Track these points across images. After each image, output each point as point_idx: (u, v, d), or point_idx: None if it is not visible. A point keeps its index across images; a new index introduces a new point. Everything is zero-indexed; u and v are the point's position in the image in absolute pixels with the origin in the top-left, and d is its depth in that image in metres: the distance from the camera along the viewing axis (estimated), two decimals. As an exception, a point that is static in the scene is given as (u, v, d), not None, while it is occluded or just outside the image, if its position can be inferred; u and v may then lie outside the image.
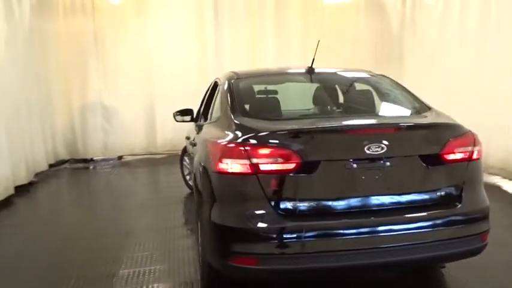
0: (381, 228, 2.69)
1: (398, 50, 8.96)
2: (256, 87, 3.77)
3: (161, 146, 9.22)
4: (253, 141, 2.67)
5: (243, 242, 2.65)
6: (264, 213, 2.62)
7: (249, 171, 2.62)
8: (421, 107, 3.32)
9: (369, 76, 3.87)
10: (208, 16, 9.03)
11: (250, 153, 2.62)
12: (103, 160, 9.06)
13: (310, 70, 3.70)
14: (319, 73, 3.76)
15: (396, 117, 3.36)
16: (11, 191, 6.26)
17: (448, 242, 2.76)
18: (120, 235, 4.56)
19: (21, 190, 6.58)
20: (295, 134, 2.72)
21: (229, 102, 3.25)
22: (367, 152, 2.64)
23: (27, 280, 3.66)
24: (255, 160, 2.61)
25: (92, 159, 9.06)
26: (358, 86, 3.85)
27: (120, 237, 4.48)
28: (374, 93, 3.59)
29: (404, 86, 3.65)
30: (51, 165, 8.31)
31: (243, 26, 9.15)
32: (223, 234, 2.70)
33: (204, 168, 3.07)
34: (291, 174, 2.63)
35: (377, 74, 3.88)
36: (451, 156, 2.81)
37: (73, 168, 8.67)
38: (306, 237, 2.60)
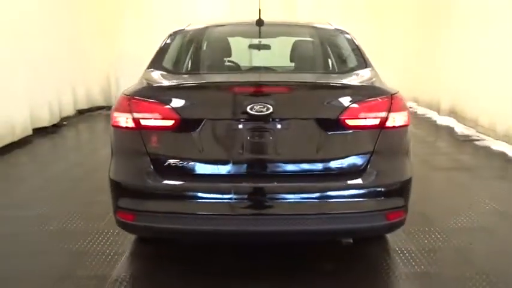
0: (264, 195, 2.51)
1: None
2: (196, 41, 3.58)
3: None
4: (135, 95, 2.58)
5: (124, 197, 2.63)
6: (142, 170, 2.56)
7: (133, 126, 2.55)
8: (356, 67, 2.97)
9: (320, 29, 3.52)
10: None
11: (132, 107, 2.55)
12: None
13: (260, 22, 3.44)
14: (268, 26, 3.48)
15: (303, 75, 3.05)
16: (29, 132, 6.72)
17: (343, 216, 2.53)
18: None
19: (42, 132, 7.06)
20: (175, 89, 2.57)
21: (153, 56, 3.14)
22: (251, 112, 2.43)
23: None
24: (136, 115, 2.54)
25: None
26: (304, 41, 3.52)
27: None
28: (317, 48, 3.27)
29: (358, 42, 3.28)
30: (83, 111, 8.80)
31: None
32: (112, 188, 2.69)
33: None
34: (171, 132, 2.52)
35: (334, 28, 3.52)
36: (354, 122, 2.50)
37: (107, 115, 9.12)
38: (180, 197, 2.51)
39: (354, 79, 2.78)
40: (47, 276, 2.89)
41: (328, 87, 2.64)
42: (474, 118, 7.05)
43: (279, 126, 2.49)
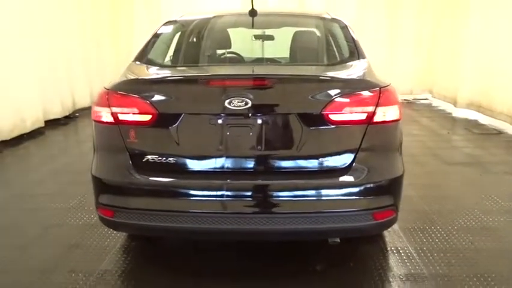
0: (242, 192, 2.43)
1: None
2: (186, 32, 3.49)
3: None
4: (114, 89, 2.52)
5: (104, 193, 2.59)
6: (121, 166, 2.51)
7: (112, 120, 2.50)
8: (347, 58, 2.84)
9: (316, 20, 3.39)
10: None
11: (111, 101, 2.49)
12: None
13: (253, 13, 3.33)
14: (261, 16, 3.37)
15: (288, 68, 2.95)
16: (41, 124, 6.80)
17: (326, 215, 2.42)
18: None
19: (54, 123, 7.15)
20: (153, 83, 2.50)
21: (141, 47, 3.08)
22: (229, 106, 2.34)
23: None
24: (114, 109, 2.48)
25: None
26: (298, 31, 3.38)
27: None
28: (310, 39, 3.15)
29: (354, 33, 3.14)
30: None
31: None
32: (94, 184, 2.65)
33: None
34: (148, 127, 2.45)
35: (330, 18, 3.38)
36: (338, 117, 2.38)
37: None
38: (158, 194, 2.45)
39: (342, 71, 2.65)
40: (34, 269, 2.89)
41: (310, 80, 2.51)
42: (495, 110, 6.77)
43: (259, 121, 2.40)
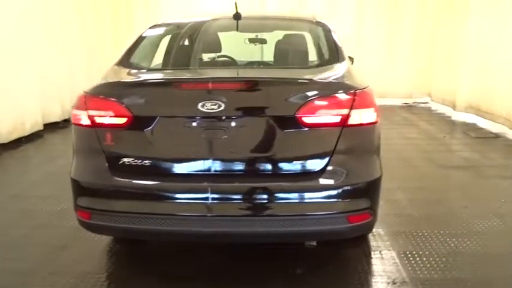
0: (216, 195, 2.43)
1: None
2: (170, 35, 3.51)
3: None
4: (90, 92, 2.55)
5: (81, 195, 2.61)
6: (97, 169, 2.53)
7: (89, 123, 2.52)
8: (327, 61, 2.84)
9: (300, 23, 3.40)
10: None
11: (88, 104, 2.52)
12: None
13: (237, 16, 3.34)
14: (245, 19, 3.38)
15: (265, 70, 2.98)
16: (40, 127, 6.86)
17: (301, 218, 2.42)
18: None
19: (53, 127, 7.21)
20: (128, 86, 2.52)
21: (125, 50, 3.10)
22: (202, 109, 2.35)
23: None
24: (91, 112, 2.51)
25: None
26: (281, 35, 3.39)
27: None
28: (292, 42, 3.16)
29: (336, 36, 3.14)
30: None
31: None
32: (72, 186, 2.66)
33: None
34: (124, 130, 2.47)
35: (315, 22, 3.38)
36: (311, 120, 2.37)
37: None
38: (132, 196, 2.47)
39: (319, 74, 2.65)
40: (17, 272, 2.92)
41: (283, 83, 2.51)
42: (494, 113, 6.71)
43: (233, 124, 2.41)
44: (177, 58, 3.18)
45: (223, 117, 2.38)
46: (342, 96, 2.40)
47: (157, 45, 3.31)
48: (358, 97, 2.41)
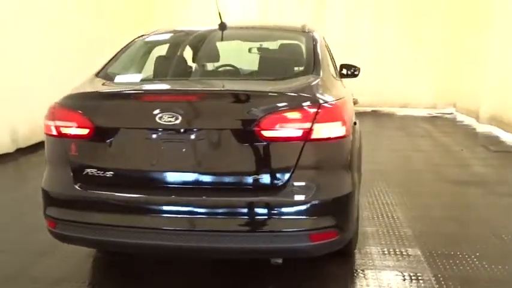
0: (175, 208, 2.40)
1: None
2: (158, 46, 3.51)
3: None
4: (58, 102, 2.58)
5: (49, 205, 2.63)
6: (63, 179, 2.55)
7: (56, 134, 2.56)
8: (300, 72, 2.76)
9: (285, 33, 3.33)
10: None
11: (55, 115, 2.56)
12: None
13: (222, 26, 3.32)
14: (230, 30, 3.35)
15: (228, 82, 2.93)
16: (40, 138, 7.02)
17: (259, 235, 2.34)
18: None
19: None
20: (91, 98, 2.54)
21: (106, 61, 3.13)
22: (160, 122, 2.33)
23: None
24: (58, 123, 2.55)
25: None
26: (262, 45, 3.34)
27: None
28: (272, 52, 3.10)
29: (321, 47, 3.05)
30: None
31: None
32: (42, 196, 2.69)
33: None
34: (87, 140, 2.48)
35: (302, 31, 3.30)
36: (271, 134, 2.29)
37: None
38: (96, 208, 2.47)
39: (283, 86, 2.56)
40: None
41: (242, 95, 2.43)
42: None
43: (192, 136, 2.37)
44: (158, 69, 3.18)
45: (182, 130, 2.35)
46: (303, 109, 2.31)
47: (140, 56, 3.32)
48: (323, 110, 2.32)
